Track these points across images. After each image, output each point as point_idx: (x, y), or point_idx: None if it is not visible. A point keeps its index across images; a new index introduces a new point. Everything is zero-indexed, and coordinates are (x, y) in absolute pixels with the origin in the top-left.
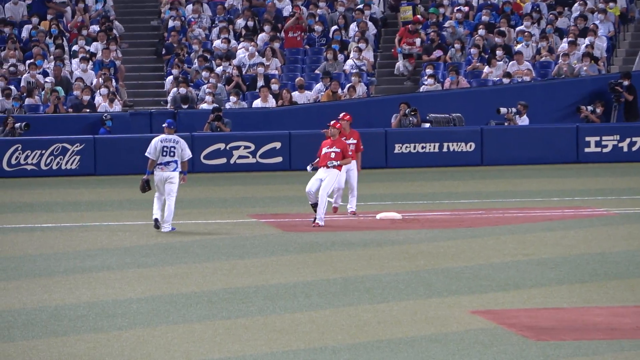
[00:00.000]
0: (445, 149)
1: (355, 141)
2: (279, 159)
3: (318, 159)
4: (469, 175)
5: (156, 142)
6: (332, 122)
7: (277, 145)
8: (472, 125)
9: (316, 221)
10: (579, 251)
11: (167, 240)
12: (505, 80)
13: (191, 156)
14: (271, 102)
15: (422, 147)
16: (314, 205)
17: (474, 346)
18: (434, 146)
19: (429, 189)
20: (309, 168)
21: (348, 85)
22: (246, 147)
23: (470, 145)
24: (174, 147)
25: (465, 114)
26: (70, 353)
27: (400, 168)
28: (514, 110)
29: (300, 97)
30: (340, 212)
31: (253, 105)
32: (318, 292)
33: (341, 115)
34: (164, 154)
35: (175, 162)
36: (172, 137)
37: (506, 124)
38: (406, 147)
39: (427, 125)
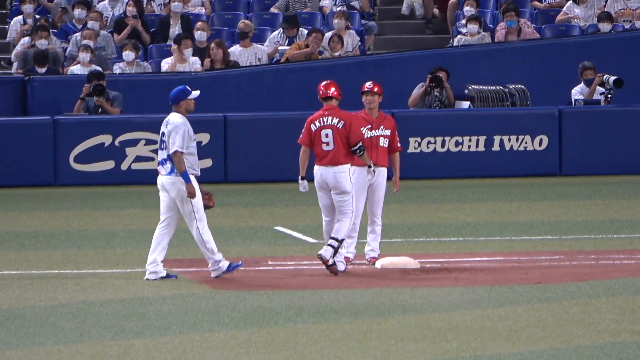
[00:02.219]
0: (496, 147)
1: (388, 132)
2: (207, 163)
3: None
4: (539, 192)
5: None
6: (369, 84)
7: (204, 138)
8: (544, 106)
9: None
10: None
11: (11, 304)
12: (604, 27)
13: (180, 149)
14: (193, 64)
15: (457, 144)
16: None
17: None
18: (477, 142)
19: (467, 217)
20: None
21: (328, 35)
22: (149, 142)
23: (541, 141)
24: (165, 135)
25: (532, 86)
26: None
27: (418, 179)
28: (611, 78)
29: (244, 54)
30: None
31: (162, 69)
32: None
33: (367, 85)
34: (161, 145)
35: (169, 158)
36: (169, 117)
37: (603, 101)
38: (428, 142)
39: (466, 104)
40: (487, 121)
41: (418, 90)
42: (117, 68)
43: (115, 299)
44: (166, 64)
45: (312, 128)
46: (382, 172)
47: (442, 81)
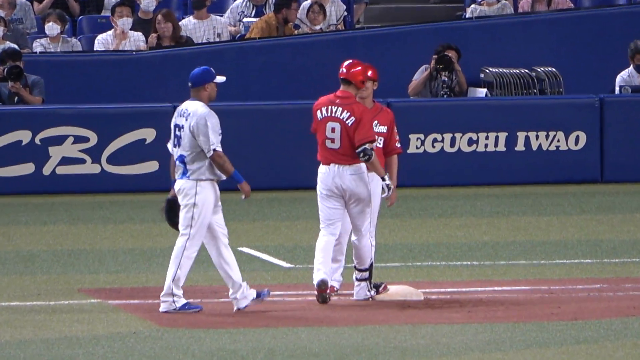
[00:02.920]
0: (520, 146)
1: (384, 129)
2: (152, 166)
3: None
4: (574, 203)
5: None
6: (362, 68)
7: (148, 135)
8: (581, 94)
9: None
10: None
11: None
12: None
13: (214, 146)
14: (135, 40)
15: (471, 142)
16: (323, 289)
17: None
18: (496, 140)
19: (483, 235)
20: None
21: (306, 3)
22: (79, 140)
23: (577, 138)
24: (182, 128)
25: (566, 69)
26: None
27: (421, 187)
28: None
29: (199, 28)
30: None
31: (95, 47)
32: None
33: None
34: (175, 141)
35: (182, 158)
36: (187, 105)
37: None
38: (434, 140)
39: (482, 91)
40: (508, 113)
41: (421, 74)
42: (38, 45)
43: (35, 339)
44: (101, 42)
45: (319, 116)
46: (377, 179)
47: (451, 62)
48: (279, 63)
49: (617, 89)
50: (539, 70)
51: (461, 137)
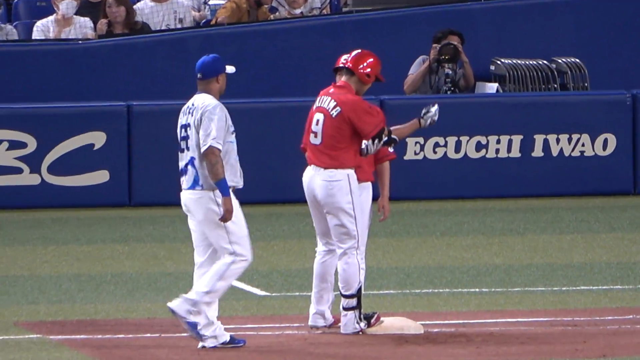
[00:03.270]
0: (537, 152)
1: None
2: (102, 176)
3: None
4: (603, 219)
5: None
6: (346, 59)
7: (97, 140)
8: (610, 90)
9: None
10: None
11: None
12: None
13: (216, 143)
14: (82, 27)
15: (479, 147)
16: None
17: None
18: (509, 144)
19: (495, 257)
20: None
21: None
22: (15, 146)
23: (605, 142)
24: (189, 126)
25: (592, 60)
26: None
27: (420, 200)
28: None
29: (157, 12)
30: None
31: (34, 36)
32: None
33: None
34: (181, 143)
35: (192, 161)
36: (193, 100)
37: None
38: (435, 145)
39: (493, 86)
40: (524, 113)
41: (419, 66)
42: None
43: None
44: (40, 29)
45: (313, 108)
46: (366, 188)
47: (457, 52)
48: (252, 53)
49: None
50: (559, 61)
51: (468, 141)
